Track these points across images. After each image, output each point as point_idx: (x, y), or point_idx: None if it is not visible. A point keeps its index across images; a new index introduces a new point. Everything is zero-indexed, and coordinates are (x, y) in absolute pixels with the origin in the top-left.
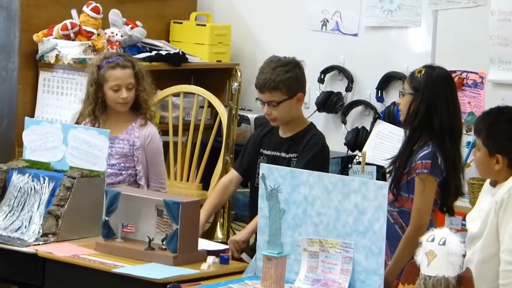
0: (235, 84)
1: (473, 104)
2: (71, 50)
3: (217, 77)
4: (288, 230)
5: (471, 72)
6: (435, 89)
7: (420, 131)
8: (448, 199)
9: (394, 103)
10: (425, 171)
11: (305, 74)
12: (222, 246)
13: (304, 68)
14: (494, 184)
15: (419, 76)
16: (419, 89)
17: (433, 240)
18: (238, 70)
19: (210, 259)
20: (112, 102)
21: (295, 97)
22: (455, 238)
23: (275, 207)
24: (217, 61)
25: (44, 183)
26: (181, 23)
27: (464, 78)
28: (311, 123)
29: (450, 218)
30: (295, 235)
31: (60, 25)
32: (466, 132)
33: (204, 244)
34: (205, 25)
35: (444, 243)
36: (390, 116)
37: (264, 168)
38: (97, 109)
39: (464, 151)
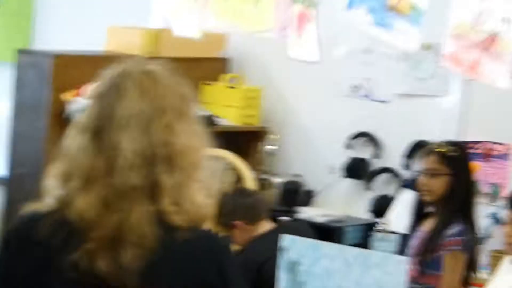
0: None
1: (498, 175)
2: None
3: (246, 140)
4: None
5: (498, 143)
6: (470, 168)
7: (457, 213)
8: (468, 272)
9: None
10: (458, 248)
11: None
12: None
13: None
14: None
15: (453, 155)
16: (459, 170)
17: None
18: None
19: None
20: None
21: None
22: None
23: (294, 280)
24: (246, 124)
25: None
26: (211, 84)
27: (490, 148)
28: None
29: None
30: None
31: (92, 86)
32: (490, 203)
33: None
34: (235, 88)
35: None
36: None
37: (285, 239)
38: None
39: (486, 222)
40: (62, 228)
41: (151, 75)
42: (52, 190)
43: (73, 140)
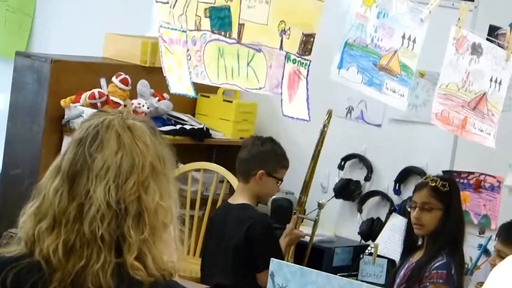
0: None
1: (488, 207)
2: None
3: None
4: None
5: (489, 175)
6: (460, 203)
7: (446, 246)
8: None
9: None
10: (440, 281)
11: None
12: None
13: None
14: None
15: (444, 189)
16: (450, 205)
17: None
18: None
19: None
20: None
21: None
22: None
23: None
24: (241, 138)
25: None
26: (209, 97)
27: (481, 180)
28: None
29: None
30: None
31: (88, 93)
32: (479, 234)
33: None
34: (231, 102)
35: None
36: (406, 210)
37: (274, 263)
38: None
39: (475, 253)
40: (29, 274)
41: (132, 131)
42: (25, 228)
43: (49, 181)
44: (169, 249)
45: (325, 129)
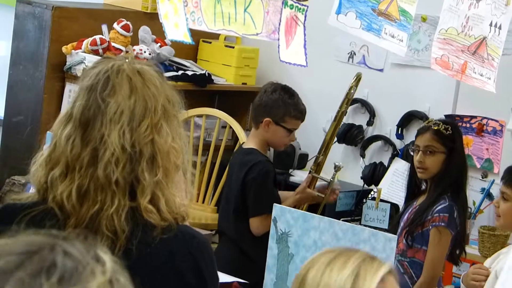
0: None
1: (490, 151)
2: None
3: (241, 99)
4: (295, 272)
5: (492, 119)
6: (463, 147)
7: (449, 190)
8: (456, 250)
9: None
10: (442, 224)
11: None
12: (230, 278)
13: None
14: None
15: (447, 132)
16: (453, 148)
17: None
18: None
19: None
20: None
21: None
22: None
23: (284, 251)
24: (243, 83)
25: None
26: (210, 42)
27: (484, 124)
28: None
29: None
30: None
31: (89, 39)
32: (482, 178)
33: None
34: (233, 47)
35: None
36: (409, 155)
37: (276, 209)
38: None
39: (478, 197)
40: (43, 221)
41: (142, 75)
42: (37, 176)
43: (60, 129)
44: (180, 192)
45: (351, 91)
